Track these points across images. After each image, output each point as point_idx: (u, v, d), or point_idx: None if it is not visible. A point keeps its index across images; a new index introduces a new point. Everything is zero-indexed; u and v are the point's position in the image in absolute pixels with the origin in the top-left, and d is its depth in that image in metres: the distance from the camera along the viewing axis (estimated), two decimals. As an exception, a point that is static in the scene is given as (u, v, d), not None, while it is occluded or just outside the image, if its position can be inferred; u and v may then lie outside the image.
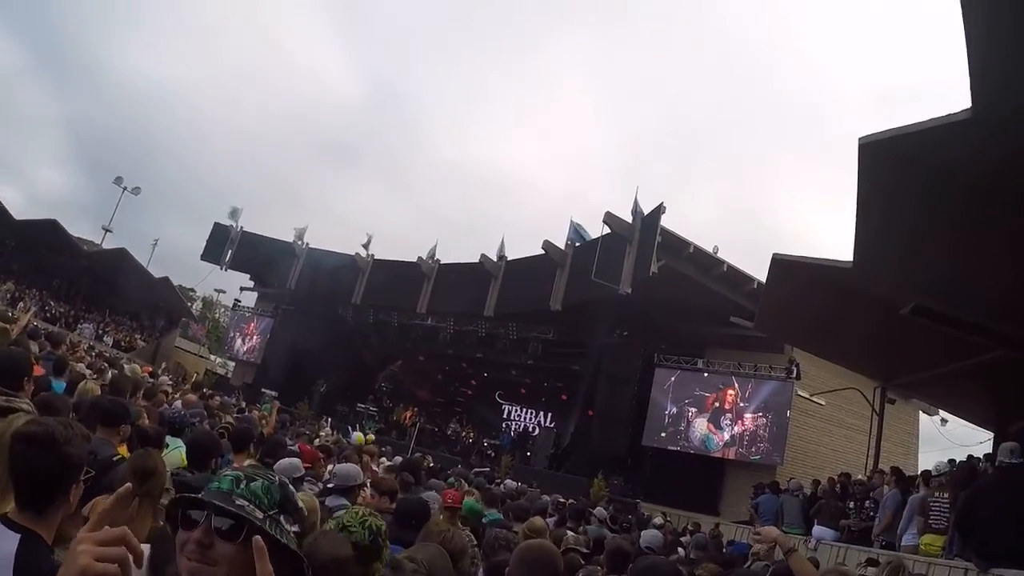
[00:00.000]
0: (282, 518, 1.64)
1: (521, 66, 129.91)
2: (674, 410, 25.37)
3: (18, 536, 2.37)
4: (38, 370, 5.74)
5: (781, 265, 13.98)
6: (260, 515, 1.58)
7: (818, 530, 14.30)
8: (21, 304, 34.88)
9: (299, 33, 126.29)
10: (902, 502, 12.00)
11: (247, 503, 1.59)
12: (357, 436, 17.52)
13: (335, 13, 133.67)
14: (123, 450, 4.93)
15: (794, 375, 22.26)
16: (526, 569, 3.31)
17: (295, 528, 1.67)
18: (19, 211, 40.16)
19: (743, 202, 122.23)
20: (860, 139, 9.24)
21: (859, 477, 16.10)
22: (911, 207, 9.96)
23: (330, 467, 7.76)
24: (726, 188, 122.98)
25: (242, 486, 1.62)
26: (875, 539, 12.58)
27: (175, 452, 5.94)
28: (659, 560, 4.11)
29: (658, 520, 15.29)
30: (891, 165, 9.22)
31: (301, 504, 1.74)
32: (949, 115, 7.85)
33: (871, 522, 13.34)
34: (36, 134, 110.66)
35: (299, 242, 38.51)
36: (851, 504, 14.39)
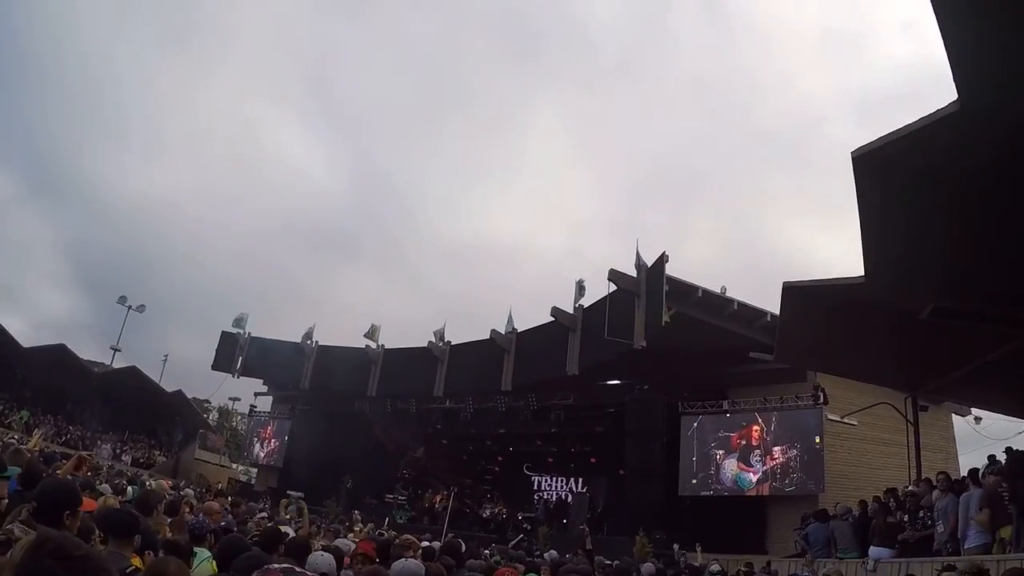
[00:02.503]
0: None
1: (503, 133, 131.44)
2: (701, 455, 25.24)
3: None
4: (88, 504, 5.70)
5: (793, 292, 14.14)
6: None
7: (875, 551, 14.15)
8: (36, 431, 34.95)
9: (280, 129, 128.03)
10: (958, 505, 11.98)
11: None
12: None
13: (311, 104, 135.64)
14: (137, 561, 4.89)
15: (821, 400, 22.17)
16: None
17: None
18: (26, 338, 40.91)
19: (743, 236, 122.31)
20: (853, 153, 9.46)
21: (909, 488, 16.00)
22: (913, 211, 10.15)
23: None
24: (724, 225, 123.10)
25: None
26: (941, 547, 12.44)
27: (204, 564, 5.97)
28: None
29: (715, 567, 15.15)
30: (887, 173, 9.43)
31: None
32: (937, 111, 8.13)
33: (928, 531, 13.27)
34: (34, 260, 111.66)
35: (308, 341, 38.63)
36: (904, 517, 14.33)
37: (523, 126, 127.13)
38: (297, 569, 1.43)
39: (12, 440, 20.05)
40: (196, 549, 6.13)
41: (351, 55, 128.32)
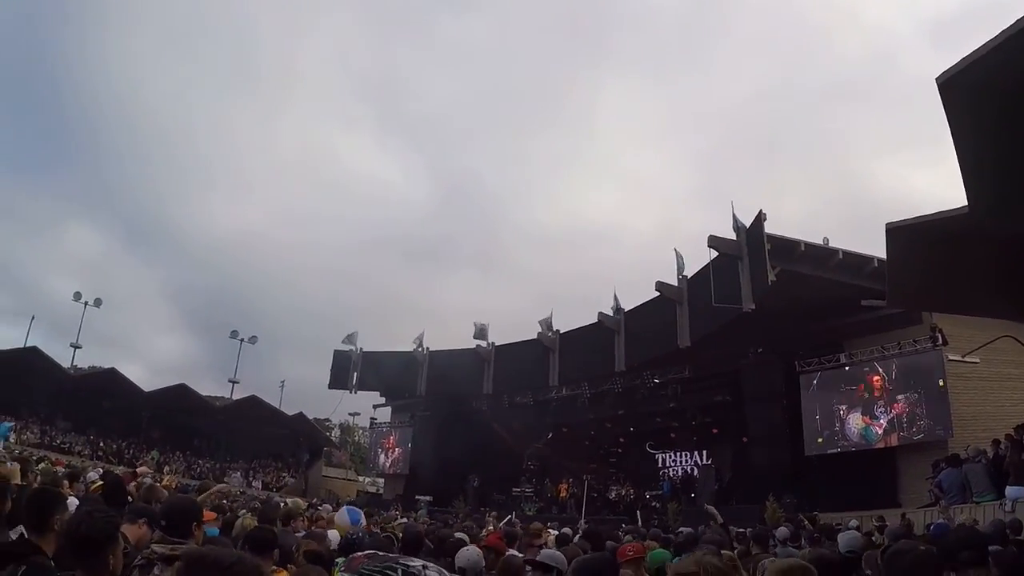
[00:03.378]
0: None
1: (578, 119, 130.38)
2: (824, 412, 24.89)
3: None
4: (209, 515, 5.97)
5: (897, 233, 13.89)
6: None
7: (1012, 490, 13.83)
8: (167, 468, 36.71)
9: (358, 149, 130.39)
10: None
11: None
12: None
13: (381, 119, 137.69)
14: (281, 574, 5.19)
15: (940, 341, 21.58)
16: None
17: None
18: (146, 383, 43.01)
19: (837, 184, 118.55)
20: (938, 79, 9.33)
21: (1044, 421, 15.58)
22: (1009, 130, 9.95)
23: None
24: (815, 175, 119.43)
25: None
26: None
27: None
28: (919, 553, 4.13)
29: (854, 523, 14.91)
30: (977, 94, 9.26)
31: None
32: (1018, 22, 8.00)
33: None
34: (143, 309, 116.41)
35: (419, 349, 39.66)
36: (1042, 451, 13.99)
37: (598, 112, 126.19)
38: (380, 553, 1.49)
39: (146, 480, 21.12)
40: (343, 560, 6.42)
41: (417, 67, 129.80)
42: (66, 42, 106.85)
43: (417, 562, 1.46)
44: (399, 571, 1.42)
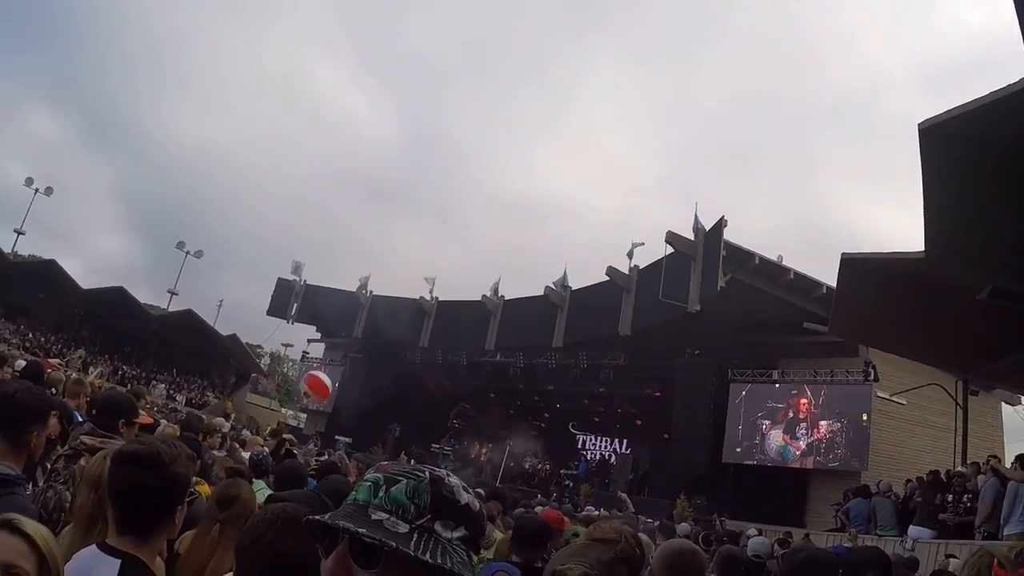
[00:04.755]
0: (437, 524, 1.36)
1: (560, 91, 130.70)
2: (748, 423, 25.19)
3: (118, 561, 2.30)
4: (145, 419, 5.86)
5: (851, 264, 14.02)
6: (404, 528, 1.33)
7: (914, 530, 14.14)
8: (92, 369, 36.12)
9: (333, 79, 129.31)
10: (1001, 492, 11.87)
11: (387, 515, 1.33)
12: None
13: (363, 53, 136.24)
14: (202, 486, 5.08)
15: (872, 377, 21.85)
16: (674, 571, 3.32)
17: (459, 533, 1.38)
18: (83, 280, 42.23)
19: (802, 203, 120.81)
20: (920, 124, 9.28)
21: (959, 469, 15.90)
22: (980, 187, 9.97)
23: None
24: (782, 191, 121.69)
25: (381, 494, 1.35)
26: (977, 531, 12.41)
27: (261, 494, 6.03)
28: (815, 551, 4.05)
29: (753, 531, 15.21)
30: (955, 147, 9.26)
31: (465, 500, 1.40)
32: (1012, 85, 7.96)
33: (969, 516, 13.20)
34: (92, 204, 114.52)
35: (363, 291, 39.35)
36: (949, 498, 14.25)
37: (580, 85, 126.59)
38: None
39: (71, 374, 20.85)
40: (255, 481, 6.21)
41: (401, 5, 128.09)
42: None
43: (442, 470, 1.45)
44: (427, 472, 1.41)
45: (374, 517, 1.32)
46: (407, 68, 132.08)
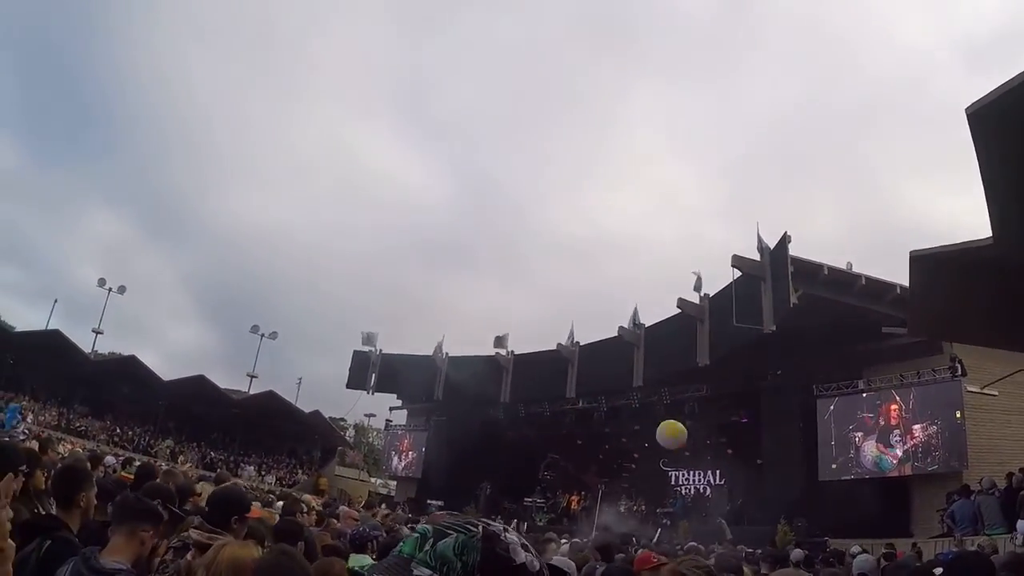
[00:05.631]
0: None
1: (604, 127, 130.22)
2: (840, 438, 24.76)
3: None
4: (256, 512, 6.06)
5: (921, 262, 13.91)
6: None
7: (1023, 524, 13.89)
8: (181, 458, 37.11)
9: (379, 148, 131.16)
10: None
11: (430, 571, 1.27)
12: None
13: (406, 121, 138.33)
14: None
15: (959, 372, 21.38)
16: None
17: None
18: (163, 372, 43.58)
19: (863, 204, 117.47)
20: (967, 109, 9.37)
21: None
22: None
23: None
24: (842, 195, 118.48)
25: (427, 547, 1.30)
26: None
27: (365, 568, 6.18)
28: (916, 567, 4.08)
29: (856, 548, 14.96)
30: (1005, 125, 9.28)
31: (523, 559, 1.31)
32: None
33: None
34: (163, 296, 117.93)
35: (439, 354, 39.76)
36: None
37: (624, 118, 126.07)
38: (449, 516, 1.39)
39: (162, 465, 21.65)
40: (358, 556, 6.51)
41: (441, 66, 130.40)
42: (97, 33, 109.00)
43: (499, 524, 1.37)
44: (479, 527, 1.32)
45: (415, 573, 1.25)
46: (451, 129, 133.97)
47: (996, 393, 20.59)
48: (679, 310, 28.21)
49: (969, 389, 21.27)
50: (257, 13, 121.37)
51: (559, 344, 34.72)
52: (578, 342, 34.39)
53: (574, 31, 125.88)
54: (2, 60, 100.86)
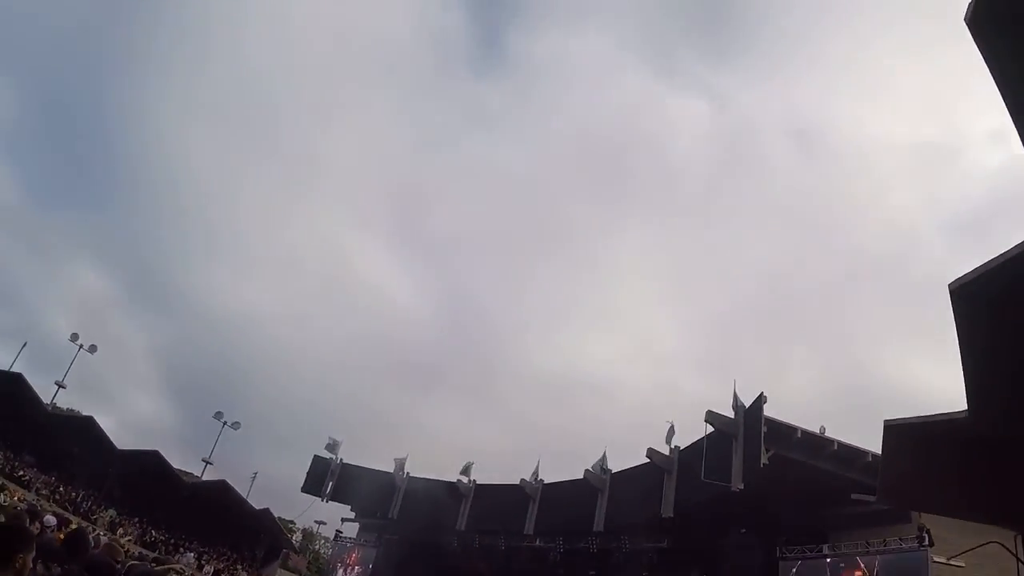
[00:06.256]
0: None
1: (592, 266, 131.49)
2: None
3: None
4: None
5: (894, 430, 14.17)
6: None
7: None
8: (120, 531, 35.97)
9: (369, 256, 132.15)
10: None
11: None
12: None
13: (399, 232, 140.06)
14: None
15: (926, 542, 21.49)
16: None
17: None
18: (117, 438, 42.75)
19: (842, 369, 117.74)
20: (950, 285, 9.63)
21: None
22: (1016, 339, 10.28)
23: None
24: (820, 358, 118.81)
25: None
26: None
27: None
28: None
29: None
30: (987, 302, 9.57)
31: None
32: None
33: None
34: (131, 362, 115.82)
35: (399, 472, 39.52)
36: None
37: (611, 259, 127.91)
38: None
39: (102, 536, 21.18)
40: None
41: (442, 186, 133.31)
42: (109, 92, 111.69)
43: None
44: None
45: None
46: (443, 249, 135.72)
47: (963, 564, 20.61)
48: (648, 459, 28.32)
49: (936, 559, 21.30)
50: (270, 100, 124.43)
51: (522, 479, 34.63)
52: (542, 479, 34.33)
53: (574, 169, 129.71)
54: (20, 99, 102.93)
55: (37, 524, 10.58)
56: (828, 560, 24.35)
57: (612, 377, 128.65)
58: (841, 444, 23.87)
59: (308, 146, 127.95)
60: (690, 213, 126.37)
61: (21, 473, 36.64)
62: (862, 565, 23.33)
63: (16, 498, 14.48)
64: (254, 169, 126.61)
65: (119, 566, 6.48)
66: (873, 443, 20.06)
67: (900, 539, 22.56)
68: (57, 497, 36.40)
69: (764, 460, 22.45)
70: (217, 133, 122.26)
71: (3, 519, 5.75)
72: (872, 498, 20.10)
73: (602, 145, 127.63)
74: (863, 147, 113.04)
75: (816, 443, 24.20)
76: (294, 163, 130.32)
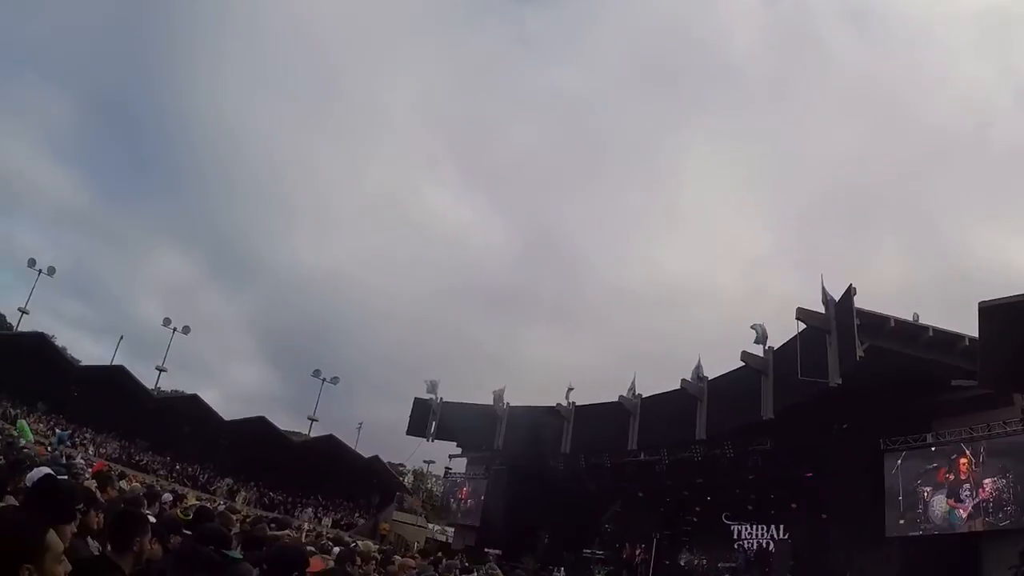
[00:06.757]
0: None
1: (663, 176, 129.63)
2: (908, 493, 24.31)
3: None
4: (316, 564, 6.19)
5: (990, 312, 14.01)
6: None
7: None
8: (240, 497, 37.73)
9: (438, 193, 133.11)
10: None
11: None
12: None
13: (466, 166, 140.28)
14: None
15: (1031, 424, 21.15)
16: None
17: None
18: (224, 411, 44.97)
19: (930, 253, 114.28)
20: None
21: None
22: None
23: None
24: (908, 239, 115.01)
25: None
26: None
27: None
28: None
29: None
30: None
31: None
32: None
33: None
34: (226, 337, 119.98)
35: (499, 403, 40.07)
36: None
37: (681, 166, 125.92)
38: None
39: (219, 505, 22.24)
40: None
41: (500, 113, 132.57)
42: (167, 80, 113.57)
43: None
44: None
45: None
46: (511, 175, 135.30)
47: (1070, 444, 20.19)
48: (743, 363, 28.14)
49: (1041, 441, 20.87)
50: (324, 62, 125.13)
51: (621, 396, 34.74)
52: (640, 394, 34.39)
53: (634, 81, 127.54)
54: (81, 105, 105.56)
55: (157, 504, 11.24)
56: (933, 449, 24.13)
57: (700, 284, 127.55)
58: (936, 330, 23.21)
59: (369, 100, 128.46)
60: (754, 112, 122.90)
61: (138, 458, 38.57)
62: (967, 452, 23.04)
63: (137, 483, 15.23)
64: (317, 129, 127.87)
65: (232, 533, 6.67)
66: (969, 328, 19.53)
67: (1004, 423, 22.08)
68: (175, 475, 38.29)
69: (860, 353, 21.96)
70: (279, 105, 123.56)
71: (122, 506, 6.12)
72: (973, 383, 19.81)
73: (654, 54, 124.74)
74: (924, 22, 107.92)
75: (910, 331, 23.60)
76: (358, 119, 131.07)
